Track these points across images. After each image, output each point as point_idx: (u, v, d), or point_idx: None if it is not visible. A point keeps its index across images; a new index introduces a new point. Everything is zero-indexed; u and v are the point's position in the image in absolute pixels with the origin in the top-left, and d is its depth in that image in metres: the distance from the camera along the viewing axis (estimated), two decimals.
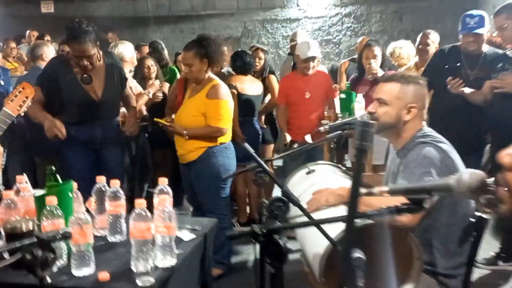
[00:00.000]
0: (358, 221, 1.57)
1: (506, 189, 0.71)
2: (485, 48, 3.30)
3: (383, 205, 0.95)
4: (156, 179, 4.63)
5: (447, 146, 1.87)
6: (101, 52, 3.10)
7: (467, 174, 0.79)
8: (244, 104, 4.01)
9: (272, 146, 4.63)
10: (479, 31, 3.14)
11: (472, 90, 3.14)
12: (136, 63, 4.38)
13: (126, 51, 4.27)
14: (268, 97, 4.48)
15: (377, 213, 0.88)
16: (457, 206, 1.85)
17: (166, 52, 5.14)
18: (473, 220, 1.82)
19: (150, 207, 1.78)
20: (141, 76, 4.25)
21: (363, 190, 1.01)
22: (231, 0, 8.54)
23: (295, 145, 3.66)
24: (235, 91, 3.86)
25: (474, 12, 3.19)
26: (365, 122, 0.64)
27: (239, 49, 4.46)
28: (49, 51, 4.01)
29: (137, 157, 4.17)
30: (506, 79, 2.96)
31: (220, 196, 3.19)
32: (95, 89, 3.06)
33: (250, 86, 4.12)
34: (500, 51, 3.27)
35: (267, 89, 4.42)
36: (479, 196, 0.80)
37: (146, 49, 5.61)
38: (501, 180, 0.71)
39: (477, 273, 3.31)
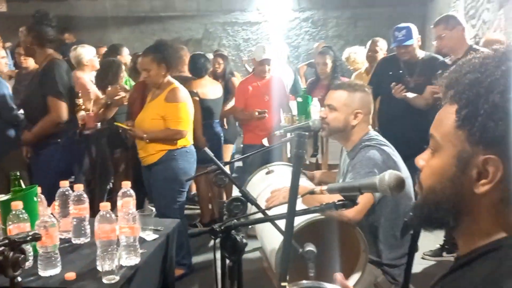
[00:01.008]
0: (310, 216, 1.74)
1: (419, 186, 0.86)
2: (421, 54, 3.57)
3: (325, 202, 1.09)
4: (116, 182, 4.62)
5: (389, 148, 2.07)
6: (47, 60, 3.12)
7: (387, 174, 0.95)
8: (205, 108, 4.10)
9: (231, 146, 4.77)
10: (407, 43, 3.43)
11: (414, 95, 3.39)
12: (97, 66, 4.36)
13: (84, 53, 4.24)
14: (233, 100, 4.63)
15: (317, 209, 1.03)
16: (399, 202, 2.04)
17: (124, 56, 5.03)
18: (411, 213, 2.02)
19: (111, 209, 1.85)
20: (109, 78, 4.18)
21: (308, 189, 1.15)
22: (192, 2, 8.60)
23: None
24: (197, 98, 3.95)
25: (402, 25, 3.49)
26: (300, 133, 0.77)
27: (195, 52, 4.54)
28: None
29: (97, 160, 4.18)
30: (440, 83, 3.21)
31: (175, 200, 3.19)
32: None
33: (211, 89, 4.21)
34: (438, 56, 3.56)
35: (229, 91, 4.54)
36: (398, 192, 0.95)
37: (103, 51, 5.56)
38: (418, 179, 0.87)
39: (424, 264, 3.57)
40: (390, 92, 3.42)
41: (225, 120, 4.60)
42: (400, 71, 3.52)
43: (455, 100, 0.79)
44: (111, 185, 4.49)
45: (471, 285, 0.73)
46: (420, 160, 0.87)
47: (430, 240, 3.57)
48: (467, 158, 0.77)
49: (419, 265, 3.45)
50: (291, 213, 0.77)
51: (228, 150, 4.71)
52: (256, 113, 3.88)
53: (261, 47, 4.10)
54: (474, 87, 0.75)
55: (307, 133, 0.84)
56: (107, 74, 4.10)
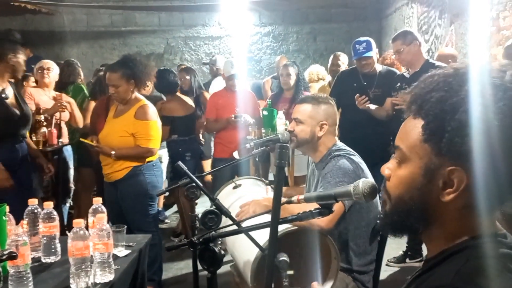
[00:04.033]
0: (283, 227, 1.78)
1: (386, 194, 0.91)
2: (379, 67, 3.76)
3: (301, 211, 1.14)
4: (79, 198, 4.50)
5: (357, 158, 2.16)
6: None
7: (360, 183, 1.01)
8: (177, 126, 4.14)
9: (209, 161, 4.80)
10: (368, 54, 3.63)
11: (376, 106, 3.54)
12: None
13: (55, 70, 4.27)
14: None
15: (295, 217, 1.07)
16: (366, 210, 2.12)
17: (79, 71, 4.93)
18: (379, 221, 2.11)
19: (69, 226, 1.82)
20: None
21: (284, 199, 1.20)
22: (153, 16, 8.57)
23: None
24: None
25: (361, 38, 3.70)
26: (283, 145, 0.82)
27: (162, 67, 4.53)
28: None
29: (59, 176, 4.07)
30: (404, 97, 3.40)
31: (148, 214, 3.18)
32: (14, 105, 3.04)
33: (181, 106, 4.25)
34: (395, 70, 3.75)
35: (201, 107, 4.57)
36: (371, 199, 1.02)
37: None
38: (384, 187, 0.92)
39: (389, 271, 3.69)
40: (352, 103, 3.55)
41: (200, 135, 4.62)
42: (365, 83, 3.68)
43: (420, 115, 0.84)
44: (71, 202, 4.39)
45: (442, 281, 0.79)
46: (386, 169, 0.91)
47: (394, 247, 3.70)
48: (433, 169, 0.82)
49: (384, 271, 3.56)
50: (275, 221, 0.82)
51: (208, 166, 4.73)
52: (233, 117, 3.95)
53: (230, 62, 4.19)
54: (440, 105, 0.81)
55: (289, 145, 0.89)
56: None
